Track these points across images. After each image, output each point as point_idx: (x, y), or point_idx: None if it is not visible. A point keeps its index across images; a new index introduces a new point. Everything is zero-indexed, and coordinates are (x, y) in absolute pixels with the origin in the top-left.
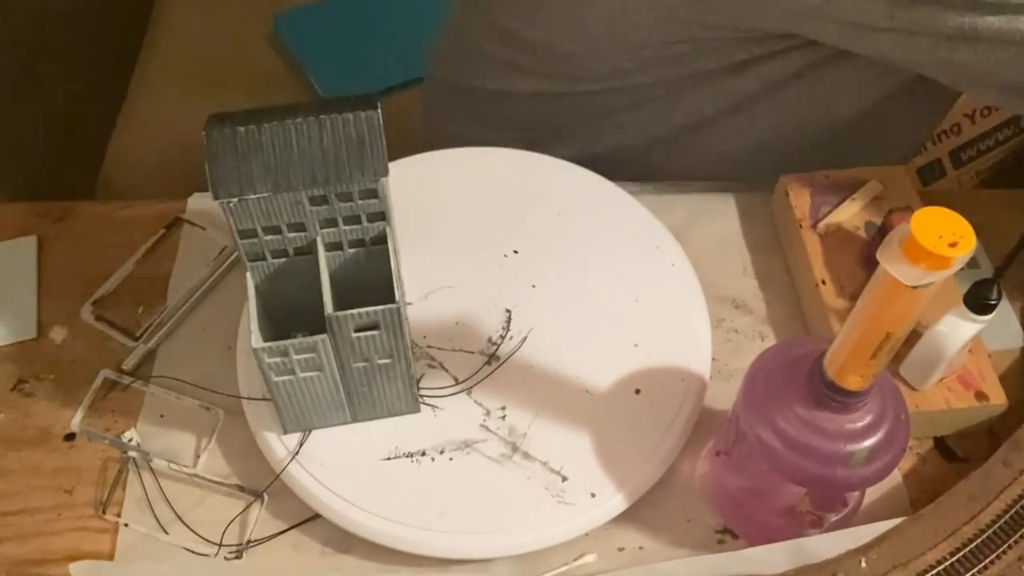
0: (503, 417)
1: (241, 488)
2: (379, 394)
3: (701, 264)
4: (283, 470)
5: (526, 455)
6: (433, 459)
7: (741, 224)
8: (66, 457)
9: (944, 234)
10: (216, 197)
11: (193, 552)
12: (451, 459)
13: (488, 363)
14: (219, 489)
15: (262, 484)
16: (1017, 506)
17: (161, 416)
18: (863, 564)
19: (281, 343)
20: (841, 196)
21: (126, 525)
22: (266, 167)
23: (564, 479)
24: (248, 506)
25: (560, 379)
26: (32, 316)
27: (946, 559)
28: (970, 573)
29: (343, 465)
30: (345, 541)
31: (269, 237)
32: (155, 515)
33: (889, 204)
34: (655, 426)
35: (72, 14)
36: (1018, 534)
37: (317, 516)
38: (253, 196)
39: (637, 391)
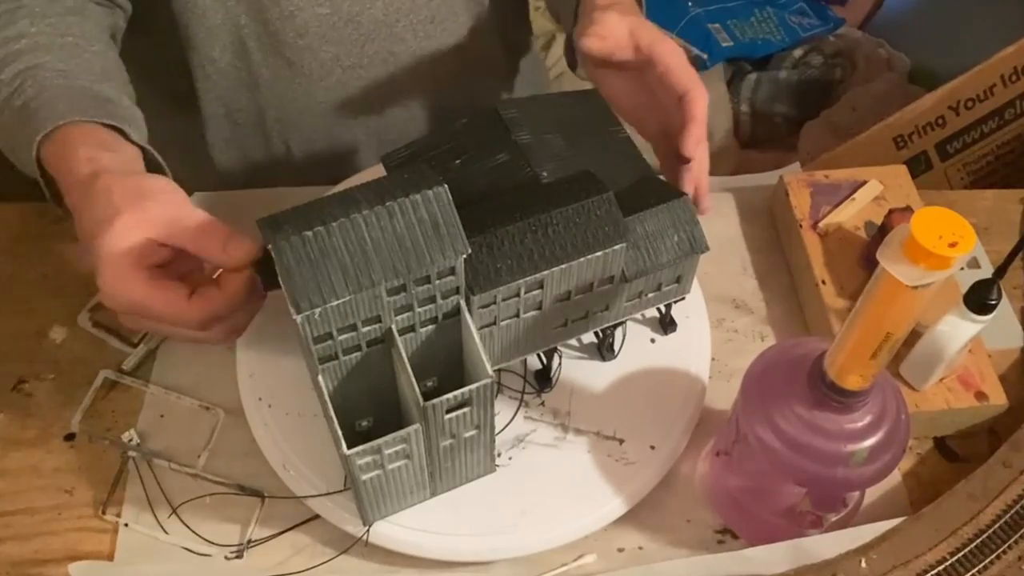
0: (542, 403)
1: (241, 488)
2: (461, 465)
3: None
4: (356, 542)
5: (577, 431)
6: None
7: (741, 224)
8: (66, 457)
9: (944, 234)
10: (298, 312)
11: (193, 552)
12: (511, 458)
13: None
14: (219, 489)
15: (262, 484)
16: (1017, 506)
17: (161, 416)
18: (863, 564)
19: (374, 443)
20: (841, 196)
21: (126, 525)
22: (343, 269)
23: (621, 441)
24: (262, 504)
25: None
26: None
27: (946, 559)
28: (970, 573)
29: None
30: (344, 541)
31: (343, 336)
32: (155, 515)
33: (889, 204)
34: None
35: None
36: (1018, 534)
37: (317, 516)
38: (335, 303)
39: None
